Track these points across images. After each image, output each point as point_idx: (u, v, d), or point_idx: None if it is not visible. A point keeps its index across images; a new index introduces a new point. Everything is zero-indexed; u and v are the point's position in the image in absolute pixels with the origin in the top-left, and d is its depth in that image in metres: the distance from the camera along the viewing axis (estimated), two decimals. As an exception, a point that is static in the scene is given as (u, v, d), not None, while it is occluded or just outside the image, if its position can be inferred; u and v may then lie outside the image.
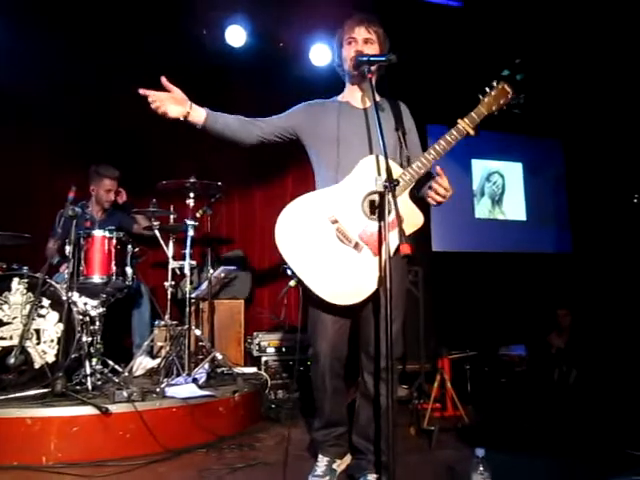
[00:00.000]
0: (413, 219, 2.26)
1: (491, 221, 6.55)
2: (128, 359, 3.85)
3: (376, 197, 2.21)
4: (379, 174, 2.17)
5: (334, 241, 2.24)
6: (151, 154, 4.82)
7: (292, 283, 2.32)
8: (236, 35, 4.86)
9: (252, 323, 4.79)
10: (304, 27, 5.00)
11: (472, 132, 2.27)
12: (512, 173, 6.73)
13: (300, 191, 2.40)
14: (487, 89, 2.35)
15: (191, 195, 3.67)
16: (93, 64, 4.68)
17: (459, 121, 2.27)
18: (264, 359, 4.43)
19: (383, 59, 2.21)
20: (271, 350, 4.48)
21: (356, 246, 2.23)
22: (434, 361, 3.85)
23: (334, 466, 2.46)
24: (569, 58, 5.38)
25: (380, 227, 2.20)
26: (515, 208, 6.68)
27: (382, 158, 2.08)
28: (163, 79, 2.25)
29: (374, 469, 2.34)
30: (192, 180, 3.59)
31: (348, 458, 2.56)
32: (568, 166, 6.80)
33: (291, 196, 2.39)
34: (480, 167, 6.60)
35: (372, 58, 2.22)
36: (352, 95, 2.49)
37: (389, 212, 1.98)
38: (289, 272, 2.27)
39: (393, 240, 2.13)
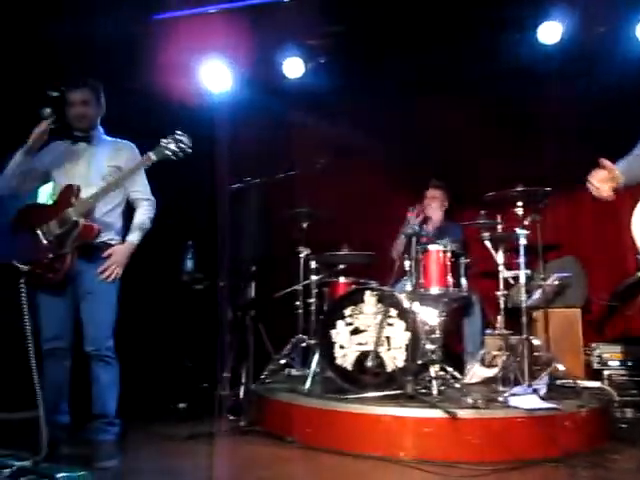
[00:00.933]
0: None
1: None
2: (459, 366, 3.98)
3: None
4: None
5: None
6: (475, 166, 4.95)
7: None
8: (551, 32, 4.62)
9: (591, 333, 4.46)
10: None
11: None
12: None
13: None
14: None
15: (519, 204, 3.63)
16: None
17: None
18: (606, 372, 4.08)
19: None
20: (614, 363, 4.11)
21: None
22: None
23: None
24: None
25: None
26: None
27: None
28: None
29: None
30: (520, 189, 3.56)
31: None
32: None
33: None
34: None
35: None
36: None
37: None
38: None
39: None
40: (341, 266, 4.13)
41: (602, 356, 4.14)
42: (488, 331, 4.15)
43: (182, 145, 2.81)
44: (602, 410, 3.38)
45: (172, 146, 2.80)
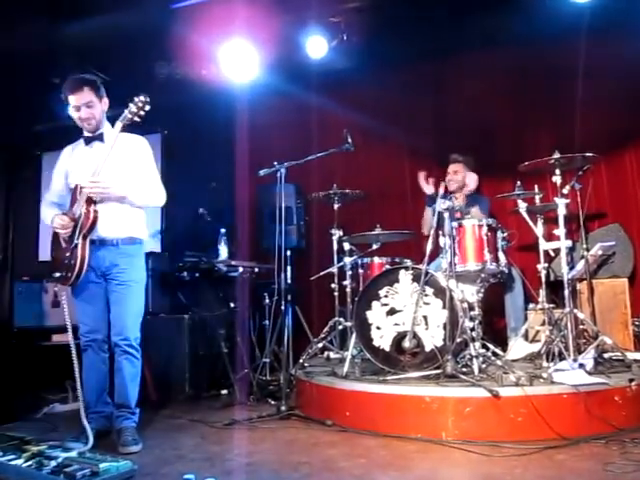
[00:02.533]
0: None
1: None
2: (501, 342, 3.89)
3: None
4: None
5: None
6: (508, 136, 4.80)
7: None
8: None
9: (638, 303, 4.28)
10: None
11: None
12: None
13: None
14: None
15: (557, 172, 3.48)
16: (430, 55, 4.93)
17: None
18: (659, 344, 3.92)
19: None
20: (667, 334, 3.94)
21: None
22: None
23: None
24: None
25: None
26: None
27: None
28: None
29: None
30: (557, 156, 3.41)
31: None
32: None
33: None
34: None
35: None
36: None
37: None
38: None
39: None
40: (375, 246, 4.07)
41: (653, 326, 3.98)
42: (530, 306, 4.04)
43: (139, 104, 2.85)
44: (655, 384, 3.24)
45: (133, 108, 2.85)
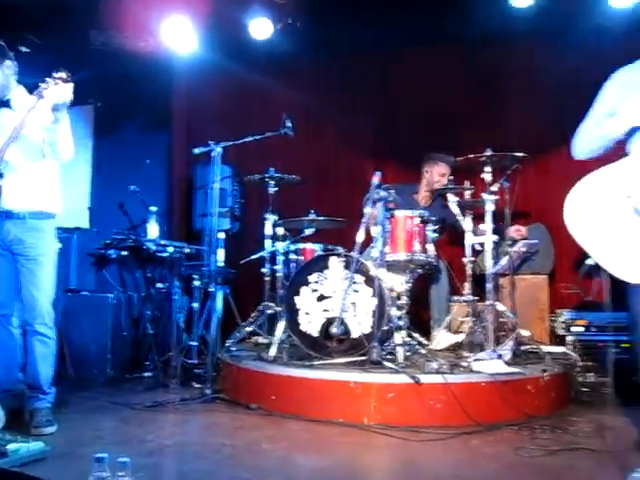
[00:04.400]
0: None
1: None
2: (427, 332, 3.99)
3: None
4: None
5: (630, 217, 2.07)
6: (443, 130, 4.90)
7: (591, 261, 2.18)
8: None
9: (556, 300, 4.51)
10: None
11: None
12: None
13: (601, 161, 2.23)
14: None
15: (487, 169, 3.59)
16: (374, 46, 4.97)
17: None
18: (570, 338, 4.13)
19: None
20: (578, 329, 4.15)
21: None
22: None
23: None
24: None
25: None
26: None
27: None
28: None
29: None
30: (488, 153, 3.52)
31: None
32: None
33: (592, 164, 2.23)
34: None
35: None
36: None
37: None
38: None
39: None
40: (308, 232, 4.07)
41: (567, 322, 4.19)
42: (455, 298, 4.16)
43: (56, 80, 2.67)
44: (564, 375, 3.44)
45: (47, 84, 2.68)
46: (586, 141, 2.36)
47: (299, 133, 4.14)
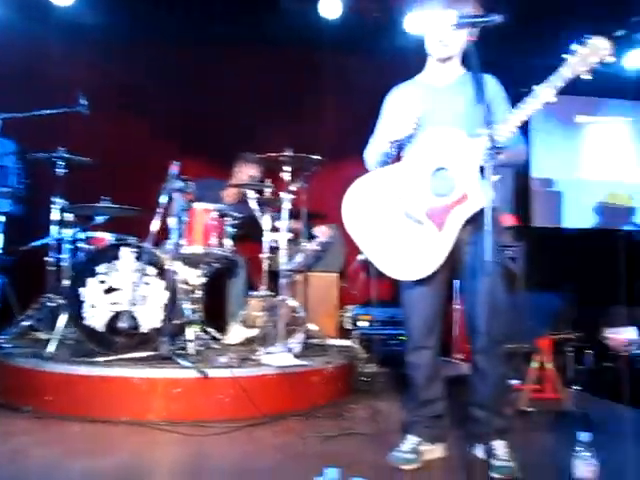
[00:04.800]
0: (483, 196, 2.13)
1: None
2: (224, 327, 4.00)
3: (447, 174, 2.22)
4: (450, 149, 2.20)
5: (399, 217, 2.27)
6: (249, 128, 4.94)
7: (361, 258, 2.39)
8: (331, 7, 4.80)
9: (346, 296, 4.82)
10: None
11: (551, 99, 2.05)
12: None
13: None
14: (575, 47, 2.04)
15: (286, 169, 3.70)
16: (188, 36, 4.85)
17: (536, 88, 2.06)
18: (356, 333, 4.46)
19: (487, 20, 2.06)
20: (364, 324, 4.51)
21: (419, 222, 2.24)
22: (533, 341, 3.69)
23: (421, 448, 2.39)
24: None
25: (451, 201, 2.20)
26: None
27: (455, 132, 2.17)
28: None
29: (496, 436, 2.28)
30: (288, 153, 3.62)
31: (441, 449, 2.46)
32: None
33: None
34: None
35: (475, 19, 2.10)
36: (435, 73, 2.44)
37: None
38: None
39: (457, 217, 2.17)
40: (100, 219, 3.80)
41: (353, 317, 4.52)
42: (252, 293, 4.22)
43: None
44: (347, 366, 3.68)
45: None
46: (371, 155, 2.52)
47: (99, 115, 3.86)
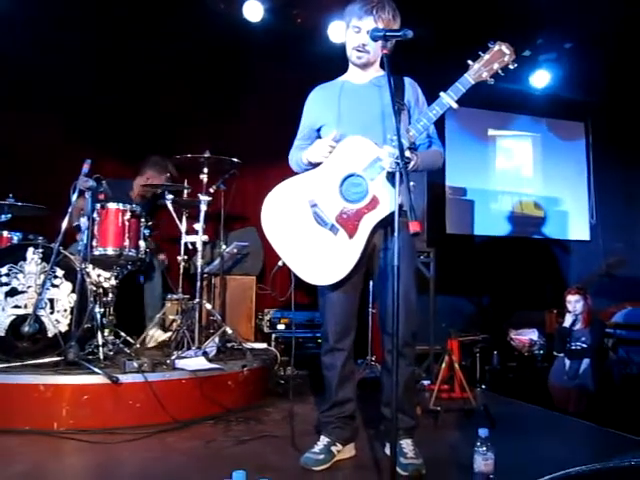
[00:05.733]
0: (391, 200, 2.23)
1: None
2: (140, 331, 3.90)
3: (358, 180, 2.30)
4: (361, 155, 2.28)
5: (312, 224, 2.33)
6: (168, 129, 4.84)
7: (281, 262, 2.43)
8: (253, 10, 4.81)
9: (263, 300, 4.82)
10: (322, 3, 4.95)
11: (455, 105, 2.16)
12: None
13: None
14: (481, 53, 2.17)
15: (205, 170, 3.67)
16: (105, 33, 4.69)
17: (441, 94, 2.17)
18: (274, 336, 4.48)
19: (399, 34, 2.16)
20: (281, 327, 4.52)
21: (332, 228, 2.30)
22: (443, 343, 3.85)
23: (333, 448, 2.42)
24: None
25: (362, 207, 2.27)
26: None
27: (366, 139, 2.27)
28: None
29: (404, 434, 2.38)
30: (206, 155, 3.59)
31: (351, 449, 2.51)
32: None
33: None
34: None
35: (388, 33, 2.19)
36: (354, 74, 2.51)
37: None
38: None
39: (368, 223, 2.26)
40: (3, 218, 3.60)
41: (271, 321, 4.52)
42: (169, 296, 4.15)
43: None
44: (263, 369, 3.68)
45: None
46: (296, 159, 2.55)
47: (5, 109, 3.66)
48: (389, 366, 2.38)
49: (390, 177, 2.22)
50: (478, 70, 2.16)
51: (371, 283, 2.70)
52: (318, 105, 2.54)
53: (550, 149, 6.67)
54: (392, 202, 2.19)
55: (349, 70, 2.54)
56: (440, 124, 2.70)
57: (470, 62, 2.18)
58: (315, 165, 2.42)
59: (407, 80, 2.46)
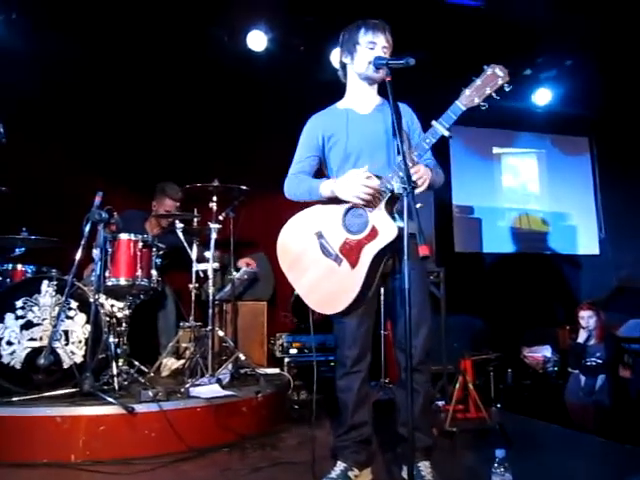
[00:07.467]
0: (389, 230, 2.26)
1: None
2: (153, 360, 3.92)
3: (359, 212, 2.34)
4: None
5: (319, 254, 2.38)
6: (175, 157, 4.92)
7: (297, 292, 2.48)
8: (257, 40, 4.91)
9: (275, 324, 4.83)
10: (324, 31, 5.04)
11: (446, 133, 2.19)
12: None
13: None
14: (474, 78, 2.18)
15: (214, 199, 3.73)
16: (114, 68, 4.80)
17: (434, 123, 2.19)
18: (287, 360, 4.48)
19: (402, 62, 2.21)
20: (294, 351, 4.53)
21: (336, 259, 2.35)
22: (455, 362, 3.83)
23: (350, 474, 2.41)
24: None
25: (363, 237, 2.30)
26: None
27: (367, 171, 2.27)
28: None
29: (421, 455, 2.38)
30: (215, 184, 3.65)
31: (368, 474, 2.49)
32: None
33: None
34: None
35: (390, 61, 2.25)
36: (355, 100, 2.54)
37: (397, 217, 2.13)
38: None
39: (368, 253, 2.28)
40: (18, 251, 3.65)
41: (284, 345, 4.53)
42: (181, 324, 4.17)
43: None
44: (277, 394, 3.67)
45: None
46: (295, 189, 2.54)
47: (18, 142, 3.73)
48: (406, 385, 2.38)
49: (392, 202, 2.26)
50: (469, 96, 2.19)
51: (382, 306, 2.69)
52: (318, 132, 2.54)
53: (555, 165, 6.70)
54: (391, 231, 2.24)
55: (349, 96, 2.57)
56: (444, 144, 2.74)
57: (463, 88, 2.20)
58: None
59: (402, 106, 2.49)
